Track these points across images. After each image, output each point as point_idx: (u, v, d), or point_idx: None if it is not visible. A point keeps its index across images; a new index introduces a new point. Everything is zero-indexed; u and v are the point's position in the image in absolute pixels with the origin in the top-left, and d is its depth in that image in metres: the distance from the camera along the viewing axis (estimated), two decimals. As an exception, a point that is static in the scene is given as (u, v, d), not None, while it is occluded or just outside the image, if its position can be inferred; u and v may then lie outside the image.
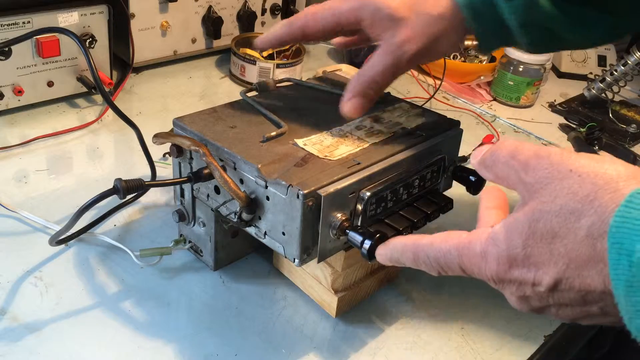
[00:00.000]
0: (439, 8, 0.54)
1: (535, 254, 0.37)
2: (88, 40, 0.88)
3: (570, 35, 0.58)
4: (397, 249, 0.45)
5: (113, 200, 0.68)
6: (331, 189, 0.49)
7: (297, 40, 0.60)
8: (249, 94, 0.65)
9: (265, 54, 1.05)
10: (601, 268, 0.34)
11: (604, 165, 0.36)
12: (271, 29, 0.60)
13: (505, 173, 0.41)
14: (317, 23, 0.57)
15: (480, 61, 1.19)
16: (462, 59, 1.18)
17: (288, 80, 0.70)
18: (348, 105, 0.56)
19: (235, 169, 0.53)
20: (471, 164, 0.45)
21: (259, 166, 0.51)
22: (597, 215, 0.34)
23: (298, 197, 0.48)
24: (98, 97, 0.93)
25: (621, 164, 0.36)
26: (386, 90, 0.64)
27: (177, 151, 0.57)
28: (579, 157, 0.37)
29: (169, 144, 0.58)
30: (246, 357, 0.55)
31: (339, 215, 0.51)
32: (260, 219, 0.53)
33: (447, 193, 0.62)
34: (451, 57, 1.16)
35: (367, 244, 0.49)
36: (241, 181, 0.53)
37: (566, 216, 0.36)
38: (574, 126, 1.06)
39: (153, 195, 0.74)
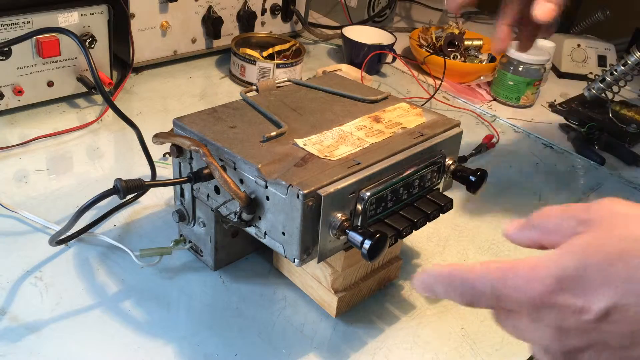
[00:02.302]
0: None
1: (589, 277, 0.34)
2: (88, 40, 0.88)
3: None
4: (432, 276, 0.40)
5: (113, 200, 0.68)
6: (331, 189, 0.49)
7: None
8: (249, 94, 0.64)
9: (265, 54, 1.05)
10: None
11: None
12: (497, 32, 0.68)
13: (559, 224, 0.38)
14: None
15: (480, 61, 1.19)
16: (462, 59, 1.18)
17: (288, 80, 0.70)
18: (539, 9, 0.61)
19: (235, 169, 0.53)
20: (506, 233, 0.41)
21: (259, 166, 0.51)
22: None
23: (298, 197, 0.48)
24: (98, 97, 0.93)
25: None
26: (386, 90, 0.64)
27: (177, 151, 0.57)
28: None
29: (169, 144, 0.58)
30: (246, 357, 0.55)
31: (339, 215, 0.51)
32: (260, 219, 0.53)
33: (447, 193, 0.62)
34: (451, 57, 1.16)
35: (367, 244, 0.49)
36: (241, 181, 0.53)
37: (631, 242, 0.33)
38: (574, 126, 1.06)
39: (153, 195, 0.74)
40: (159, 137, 0.57)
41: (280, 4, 1.15)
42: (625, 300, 0.33)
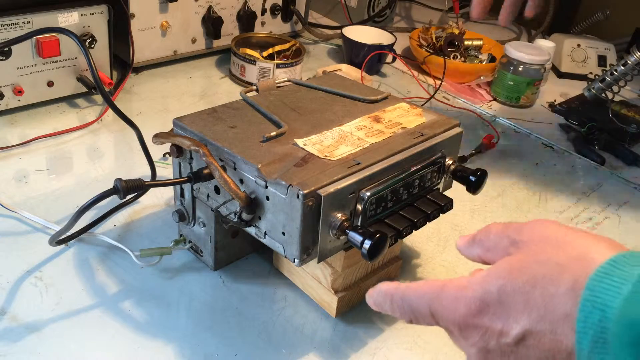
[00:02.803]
0: None
1: (509, 301, 0.35)
2: (88, 40, 0.88)
3: None
4: (380, 293, 0.42)
5: (113, 200, 0.68)
6: (331, 189, 0.49)
7: None
8: (249, 94, 0.64)
9: (265, 54, 1.05)
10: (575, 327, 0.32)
11: (598, 239, 0.35)
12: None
13: (496, 242, 0.39)
14: None
15: (481, 61, 1.19)
16: (462, 59, 1.18)
17: (288, 80, 0.70)
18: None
19: (235, 169, 0.53)
20: (457, 247, 0.44)
21: (259, 166, 0.51)
22: (582, 270, 0.33)
23: (298, 197, 0.48)
24: (98, 97, 0.93)
25: (613, 246, 0.35)
26: (386, 90, 0.64)
27: (177, 151, 0.57)
28: (576, 231, 0.37)
29: (169, 144, 0.58)
30: (246, 357, 0.55)
31: (339, 215, 0.51)
32: (260, 219, 0.53)
33: (447, 193, 0.62)
34: (451, 57, 1.16)
35: (367, 244, 0.49)
36: (241, 181, 0.53)
37: (552, 267, 0.34)
38: (574, 126, 1.06)
39: (153, 195, 0.74)
40: (159, 137, 0.57)
41: (280, 4, 1.15)
42: (540, 327, 0.34)
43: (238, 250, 0.65)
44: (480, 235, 0.41)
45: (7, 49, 0.80)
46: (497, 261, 0.38)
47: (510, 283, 0.35)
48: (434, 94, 1.07)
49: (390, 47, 1.13)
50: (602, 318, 0.31)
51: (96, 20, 0.88)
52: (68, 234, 0.60)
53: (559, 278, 0.34)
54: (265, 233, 0.53)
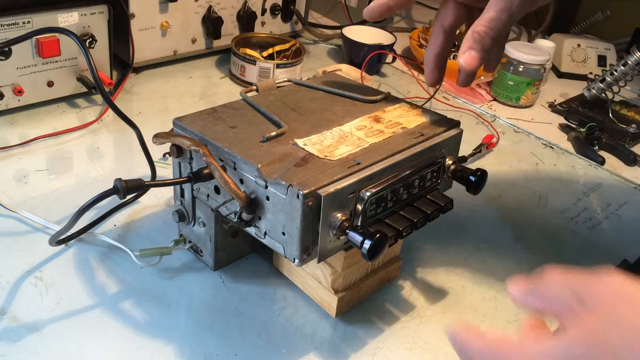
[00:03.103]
0: None
1: None
2: (88, 40, 0.88)
3: None
4: (464, 344, 0.39)
5: (113, 200, 0.68)
6: (331, 189, 0.49)
7: (404, 3, 0.61)
8: (249, 94, 0.64)
9: (265, 54, 1.05)
10: None
11: None
12: (426, 55, 0.61)
13: (557, 295, 0.37)
14: (446, 16, 0.58)
15: (480, 61, 1.19)
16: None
17: (288, 80, 0.70)
18: (464, 57, 0.55)
19: (235, 169, 0.53)
20: (511, 295, 0.40)
21: (259, 166, 0.51)
22: None
23: (298, 197, 0.48)
24: (98, 97, 0.93)
25: None
26: (386, 90, 0.64)
27: (177, 151, 0.57)
28: None
29: (169, 144, 0.58)
30: (246, 357, 0.55)
31: (339, 215, 0.51)
32: (260, 219, 0.53)
33: (447, 193, 0.62)
34: (451, 57, 1.16)
35: (367, 244, 0.49)
36: (241, 181, 0.53)
37: (632, 334, 0.32)
38: (574, 126, 1.06)
39: (153, 195, 0.74)
40: (159, 137, 0.57)
41: (280, 4, 1.15)
42: None
43: (238, 250, 0.65)
44: (537, 283, 0.39)
45: (7, 49, 0.80)
46: (563, 324, 0.36)
47: (588, 352, 0.33)
48: (434, 94, 1.07)
49: (390, 47, 1.13)
50: None
51: (96, 20, 0.88)
52: (68, 234, 0.60)
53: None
54: (265, 233, 0.53)
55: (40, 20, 0.82)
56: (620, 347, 0.32)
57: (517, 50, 1.08)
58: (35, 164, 0.77)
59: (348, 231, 0.50)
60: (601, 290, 0.35)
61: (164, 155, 0.78)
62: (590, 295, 0.35)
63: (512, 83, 1.09)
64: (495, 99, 1.13)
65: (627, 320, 0.33)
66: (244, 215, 0.53)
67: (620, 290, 0.35)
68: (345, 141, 0.57)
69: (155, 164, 0.74)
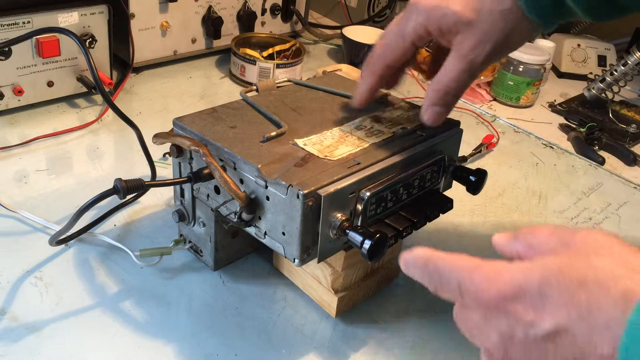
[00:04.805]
0: (503, 3, 0.51)
1: (550, 294, 0.34)
2: (88, 40, 0.88)
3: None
4: (415, 257, 0.41)
5: (113, 200, 0.68)
6: (331, 189, 0.49)
7: (387, 78, 0.59)
8: (249, 94, 0.65)
9: (265, 54, 1.05)
10: (617, 335, 0.31)
11: None
12: (359, 86, 0.59)
13: (542, 241, 0.38)
14: (394, 53, 0.56)
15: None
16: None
17: (288, 80, 0.70)
18: (427, 113, 0.55)
19: (235, 169, 0.53)
20: (495, 242, 0.42)
21: (259, 166, 0.51)
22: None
23: (298, 197, 0.48)
24: (98, 97, 0.93)
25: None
26: (386, 91, 0.64)
27: (177, 151, 0.57)
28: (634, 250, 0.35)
29: (169, 144, 0.58)
30: (246, 357, 0.55)
31: (339, 215, 0.51)
32: (260, 219, 0.53)
33: (447, 193, 0.62)
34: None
35: (367, 244, 0.49)
36: (241, 181, 0.53)
37: (606, 273, 0.33)
38: (574, 126, 1.06)
39: (153, 195, 0.74)
40: (159, 137, 0.57)
41: (280, 4, 1.15)
42: (577, 328, 0.33)
43: (238, 250, 0.65)
44: (525, 232, 0.40)
45: (7, 49, 0.80)
46: (540, 256, 0.37)
47: (556, 278, 0.34)
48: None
49: (390, 47, 1.13)
50: None
51: (96, 20, 0.88)
52: (68, 234, 0.60)
53: (610, 284, 0.32)
54: (265, 233, 0.53)
55: (40, 20, 0.82)
56: (592, 278, 0.33)
57: (517, 50, 1.08)
58: (35, 164, 0.77)
59: (348, 231, 0.50)
60: (587, 239, 0.36)
61: (164, 155, 0.78)
62: (575, 241, 0.36)
63: (512, 83, 1.09)
64: (495, 99, 1.13)
65: (605, 261, 0.34)
66: (244, 215, 0.53)
67: (603, 240, 0.36)
68: (345, 141, 0.57)
69: (155, 164, 0.74)
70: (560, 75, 1.26)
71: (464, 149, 0.82)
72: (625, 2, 0.53)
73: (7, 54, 0.81)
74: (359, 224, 0.53)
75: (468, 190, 0.61)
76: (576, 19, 0.56)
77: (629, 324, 0.31)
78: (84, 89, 0.90)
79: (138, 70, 1.03)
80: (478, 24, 0.51)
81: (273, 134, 0.56)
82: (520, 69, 1.08)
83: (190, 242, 0.65)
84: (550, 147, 1.00)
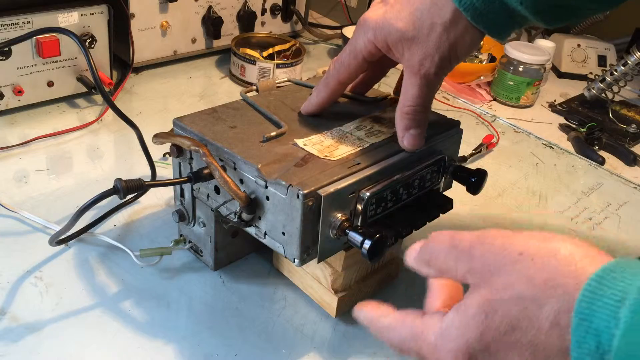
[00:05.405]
0: (443, 16, 0.51)
1: (495, 348, 0.34)
2: (88, 40, 0.88)
3: (586, 4, 0.54)
4: (366, 319, 0.44)
5: (113, 200, 0.68)
6: (331, 189, 0.49)
7: (340, 94, 0.61)
8: (249, 94, 0.65)
9: (265, 54, 1.05)
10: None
11: (554, 245, 0.34)
12: (311, 96, 0.60)
13: (449, 265, 0.38)
14: (348, 69, 0.57)
15: (481, 61, 1.19)
16: (462, 59, 1.18)
17: (288, 80, 0.70)
18: (406, 140, 0.55)
19: (235, 169, 0.53)
20: (408, 264, 0.42)
21: (259, 166, 0.51)
22: (562, 302, 0.32)
23: (298, 197, 0.48)
24: (98, 97, 0.93)
25: (570, 241, 0.34)
26: (386, 91, 0.64)
27: (177, 151, 0.57)
28: (525, 237, 0.35)
29: (169, 144, 0.58)
30: (246, 357, 0.55)
31: (339, 215, 0.51)
32: (260, 219, 0.53)
33: (447, 193, 0.62)
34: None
35: (367, 244, 0.49)
36: (241, 181, 0.53)
37: (526, 305, 0.33)
38: (574, 126, 1.06)
39: (153, 195, 0.74)
40: (159, 137, 0.57)
41: (280, 4, 1.15)
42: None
43: (238, 250, 0.65)
44: (425, 254, 0.40)
45: (7, 49, 0.80)
46: (462, 297, 0.37)
47: (489, 329, 0.34)
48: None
49: (390, 47, 1.13)
50: (598, 344, 0.30)
51: (96, 20, 0.88)
52: (68, 234, 0.60)
53: (538, 315, 0.33)
54: (265, 233, 0.53)
55: (40, 20, 0.82)
56: (516, 316, 0.34)
57: (517, 50, 1.08)
58: (35, 164, 0.77)
59: (348, 231, 0.50)
60: (484, 259, 0.36)
61: (164, 155, 0.78)
62: (474, 266, 0.37)
63: (512, 83, 1.09)
64: (495, 99, 1.13)
65: (515, 288, 0.34)
66: (244, 215, 0.53)
67: (498, 251, 0.36)
68: (345, 141, 0.57)
69: (155, 164, 0.74)
70: (560, 75, 1.26)
71: (464, 149, 0.82)
72: (575, 2, 0.52)
73: (7, 54, 0.81)
74: (359, 224, 0.53)
75: (468, 190, 0.61)
76: (534, 24, 0.56)
77: (573, 336, 0.31)
78: (84, 89, 0.90)
79: (138, 70, 1.03)
80: (421, 38, 0.52)
81: (273, 134, 0.56)
82: (520, 69, 1.08)
83: (190, 242, 0.65)
84: (550, 147, 1.00)
